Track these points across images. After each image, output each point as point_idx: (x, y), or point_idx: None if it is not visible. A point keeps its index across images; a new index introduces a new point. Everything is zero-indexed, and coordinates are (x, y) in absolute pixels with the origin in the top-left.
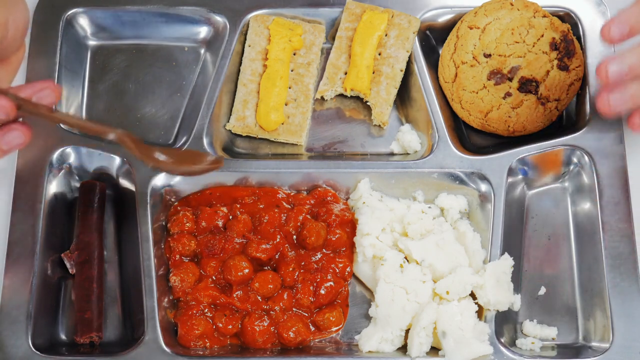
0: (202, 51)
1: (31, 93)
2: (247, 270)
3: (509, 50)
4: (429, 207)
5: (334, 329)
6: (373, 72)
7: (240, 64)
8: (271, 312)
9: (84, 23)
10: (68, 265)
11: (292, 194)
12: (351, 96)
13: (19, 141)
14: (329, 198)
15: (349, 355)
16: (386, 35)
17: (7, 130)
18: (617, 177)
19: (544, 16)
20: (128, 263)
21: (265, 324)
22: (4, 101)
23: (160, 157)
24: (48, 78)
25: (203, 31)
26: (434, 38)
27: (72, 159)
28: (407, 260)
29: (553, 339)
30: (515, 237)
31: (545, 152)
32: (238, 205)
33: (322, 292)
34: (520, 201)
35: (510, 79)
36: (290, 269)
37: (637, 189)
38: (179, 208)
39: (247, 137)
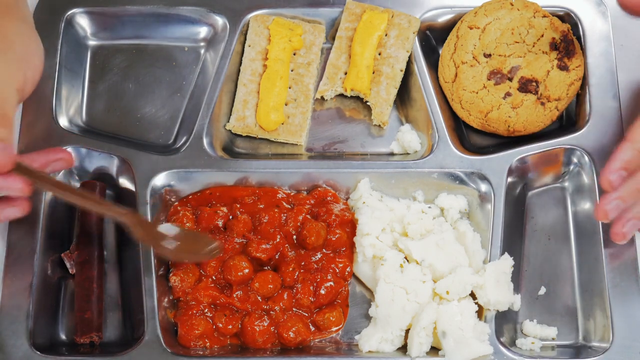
0: (202, 51)
1: (45, 162)
2: (247, 270)
3: (509, 50)
4: (429, 207)
5: (334, 329)
6: (373, 72)
7: (240, 64)
8: (271, 312)
9: (84, 23)
10: (68, 265)
11: (292, 194)
12: (351, 96)
13: (16, 215)
14: (329, 198)
15: (349, 355)
16: (386, 35)
17: (7, 204)
18: None
19: (544, 16)
20: (128, 263)
21: (265, 324)
22: (20, 183)
23: (168, 245)
24: (48, 78)
25: (203, 31)
26: (434, 38)
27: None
28: (407, 260)
29: (553, 339)
30: (515, 237)
31: (545, 152)
32: (238, 205)
33: (322, 292)
34: (520, 201)
35: (510, 79)
36: (290, 269)
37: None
38: (179, 208)
39: (247, 137)
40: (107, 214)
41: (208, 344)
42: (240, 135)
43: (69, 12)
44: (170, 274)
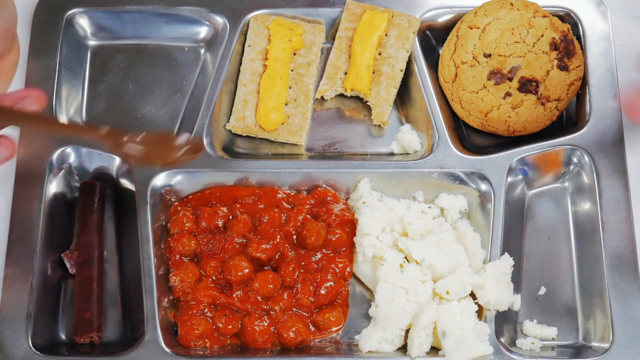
0: (202, 51)
1: (13, 100)
2: (247, 270)
3: (509, 50)
4: (429, 207)
5: (334, 329)
6: (373, 72)
7: (240, 64)
8: (271, 312)
9: (84, 23)
10: (68, 265)
11: (292, 194)
12: (351, 96)
13: (4, 155)
14: (329, 198)
15: (349, 355)
16: (386, 35)
17: None
18: (617, 177)
19: (544, 16)
20: (128, 263)
21: (265, 324)
22: None
23: (131, 147)
24: (48, 78)
25: (203, 31)
26: (434, 38)
27: (72, 159)
28: (407, 260)
29: (553, 339)
30: (515, 237)
31: (545, 152)
32: (238, 205)
33: (322, 292)
34: (520, 201)
35: (510, 79)
36: (290, 269)
37: (637, 189)
38: (179, 208)
39: (247, 137)
40: (76, 134)
41: (208, 344)
42: (240, 135)
43: (69, 12)
44: (170, 274)
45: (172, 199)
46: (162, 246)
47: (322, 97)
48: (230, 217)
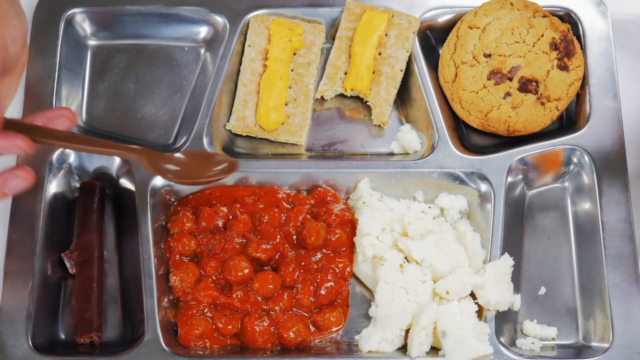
0: (202, 51)
1: (46, 122)
2: (247, 271)
3: (509, 50)
4: (429, 207)
5: (334, 329)
6: (373, 72)
7: (240, 64)
8: (271, 313)
9: (84, 23)
10: (68, 265)
11: (292, 194)
12: (351, 96)
13: (21, 188)
14: (329, 198)
15: (349, 355)
16: (386, 35)
17: (10, 176)
18: (617, 177)
19: (544, 16)
20: (128, 263)
21: (265, 324)
22: (21, 141)
23: (171, 167)
24: (48, 78)
25: (203, 31)
26: (434, 38)
27: (72, 159)
28: (407, 260)
29: (553, 339)
30: (515, 237)
31: (545, 152)
32: (238, 205)
33: (322, 292)
34: (520, 201)
35: (510, 79)
36: (290, 269)
37: (637, 188)
38: (179, 208)
39: (247, 137)
40: (112, 152)
41: (208, 344)
42: (240, 135)
43: (69, 12)
44: (170, 274)
45: (172, 199)
46: (162, 246)
47: (322, 97)
48: (230, 217)
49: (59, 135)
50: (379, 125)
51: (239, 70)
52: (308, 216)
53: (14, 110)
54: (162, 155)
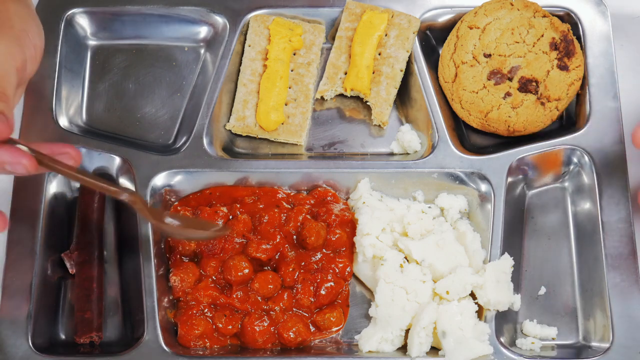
0: (202, 51)
1: (50, 153)
2: (247, 271)
3: (509, 50)
4: (429, 207)
5: (334, 329)
6: (373, 72)
7: (240, 64)
8: (271, 313)
9: (84, 23)
10: (68, 265)
11: (292, 194)
12: (351, 96)
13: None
14: (329, 198)
15: (349, 355)
16: (386, 35)
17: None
18: (617, 177)
19: (544, 16)
20: (128, 263)
21: (265, 324)
22: (26, 160)
23: (171, 221)
24: (48, 78)
25: (203, 31)
26: (434, 38)
27: None
28: (407, 260)
29: (553, 339)
30: (515, 237)
31: (545, 152)
32: (238, 205)
33: (323, 292)
34: (520, 201)
35: (510, 79)
36: (290, 269)
37: (638, 188)
38: (179, 208)
39: (247, 137)
40: (110, 193)
41: (208, 344)
42: (240, 135)
43: (69, 12)
44: (170, 274)
45: (172, 199)
46: (162, 246)
47: (322, 97)
48: (230, 217)
49: (64, 165)
50: (379, 125)
51: (239, 70)
52: (308, 216)
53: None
54: (159, 209)
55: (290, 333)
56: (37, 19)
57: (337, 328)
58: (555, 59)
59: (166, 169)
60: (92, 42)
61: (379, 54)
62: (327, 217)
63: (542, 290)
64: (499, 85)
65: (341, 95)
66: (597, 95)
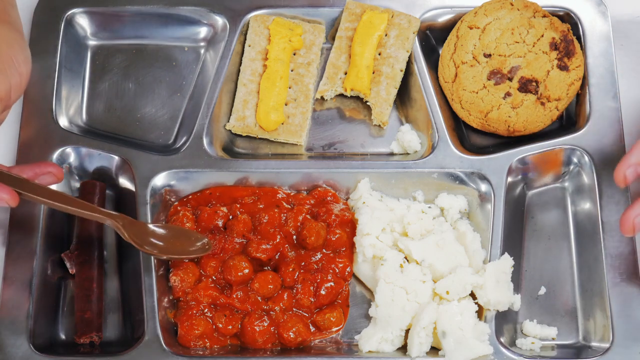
0: (202, 51)
1: (33, 175)
2: (247, 271)
3: (509, 50)
4: (429, 207)
5: (334, 329)
6: (373, 72)
7: (240, 64)
8: (271, 313)
9: (84, 23)
10: (68, 265)
11: (292, 194)
12: (351, 96)
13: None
14: (329, 198)
15: (349, 355)
16: (386, 35)
17: None
18: None
19: (544, 16)
20: (128, 263)
21: (265, 324)
22: (7, 194)
23: (150, 249)
24: (48, 78)
25: (203, 31)
26: (434, 38)
27: (72, 159)
28: (407, 260)
29: (553, 339)
30: (515, 237)
31: (545, 152)
32: (238, 205)
33: (323, 292)
34: (520, 201)
35: (510, 79)
36: (290, 269)
37: (638, 188)
38: (179, 208)
39: (247, 137)
40: (94, 217)
41: (208, 344)
42: (240, 135)
43: (69, 12)
44: (170, 274)
45: (172, 199)
46: None
47: (322, 97)
48: (230, 217)
49: (45, 193)
50: (379, 125)
51: (239, 70)
52: (308, 216)
53: (13, 110)
54: (143, 226)
55: (290, 333)
56: (24, 45)
57: (337, 328)
58: (555, 59)
59: (166, 169)
60: (92, 42)
61: (379, 54)
62: (327, 217)
63: (542, 290)
64: (499, 85)
65: (341, 95)
66: (597, 95)
